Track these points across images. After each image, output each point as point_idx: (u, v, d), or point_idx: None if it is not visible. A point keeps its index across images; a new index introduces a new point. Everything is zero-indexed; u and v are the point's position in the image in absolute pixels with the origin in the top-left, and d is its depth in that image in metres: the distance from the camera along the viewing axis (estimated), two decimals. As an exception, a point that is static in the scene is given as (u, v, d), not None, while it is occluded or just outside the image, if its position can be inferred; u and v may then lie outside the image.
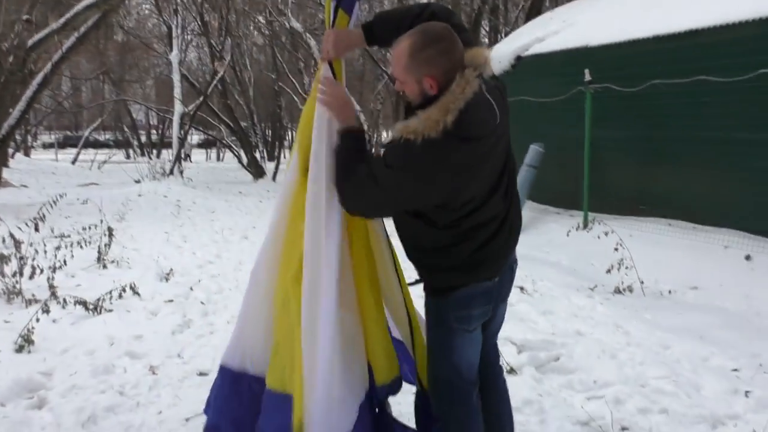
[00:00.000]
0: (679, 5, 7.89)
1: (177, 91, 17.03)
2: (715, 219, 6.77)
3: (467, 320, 2.23)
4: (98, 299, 4.77)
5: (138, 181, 14.71)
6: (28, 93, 10.82)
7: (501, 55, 10.27)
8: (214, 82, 18.20)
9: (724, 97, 6.67)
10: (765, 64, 6.14)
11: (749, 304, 5.32)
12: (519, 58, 10.12)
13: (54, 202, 5.60)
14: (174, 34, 18.02)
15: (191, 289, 5.61)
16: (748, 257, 6.05)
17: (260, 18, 21.31)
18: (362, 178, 2.06)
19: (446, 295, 2.21)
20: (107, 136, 38.66)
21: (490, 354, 2.53)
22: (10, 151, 19.60)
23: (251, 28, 24.80)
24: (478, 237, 2.14)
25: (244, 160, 20.77)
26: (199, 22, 20.06)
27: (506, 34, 17.00)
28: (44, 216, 5.36)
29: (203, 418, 3.27)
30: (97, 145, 31.79)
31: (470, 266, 2.17)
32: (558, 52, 9.32)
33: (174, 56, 17.54)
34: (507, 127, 2.12)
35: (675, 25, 7.43)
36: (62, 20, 9.87)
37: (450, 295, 2.20)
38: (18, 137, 22.69)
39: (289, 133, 37.40)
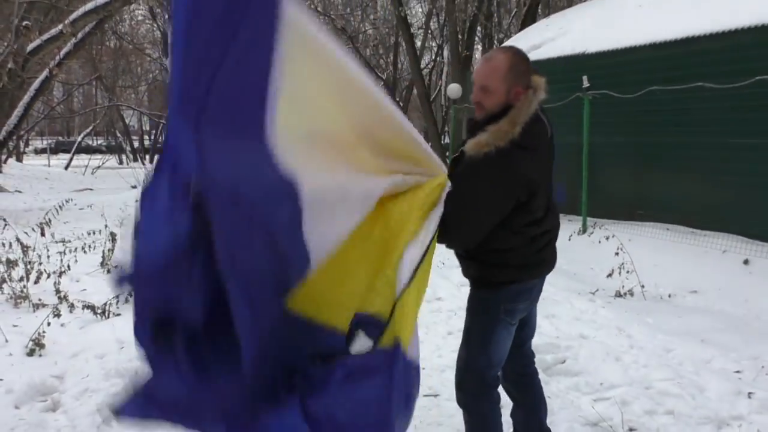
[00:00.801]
0: (675, 12, 8.00)
1: (173, 97, 17.03)
2: (713, 224, 6.86)
3: (512, 313, 2.44)
4: (105, 303, 4.79)
5: (134, 187, 14.71)
6: (26, 98, 10.83)
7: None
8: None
9: (721, 104, 6.77)
10: (761, 70, 6.24)
11: (748, 307, 5.40)
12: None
13: (59, 207, 5.62)
14: (169, 40, 18.03)
15: (196, 293, 5.63)
16: (746, 261, 6.13)
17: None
18: (453, 213, 2.14)
19: (499, 289, 2.40)
20: (100, 142, 38.58)
21: (528, 355, 2.78)
22: (2, 156, 19.54)
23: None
24: (539, 243, 2.43)
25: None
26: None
27: (500, 42, 17.11)
28: (50, 221, 5.38)
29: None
30: (89, 150, 31.73)
31: (529, 266, 2.43)
32: (555, 59, 9.41)
33: (169, 62, 17.54)
34: (553, 144, 2.49)
35: (671, 32, 7.54)
36: (61, 26, 9.88)
37: (502, 289, 2.40)
38: (11, 143, 22.58)
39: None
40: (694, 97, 6.97)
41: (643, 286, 5.94)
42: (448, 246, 2.35)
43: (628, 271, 6.03)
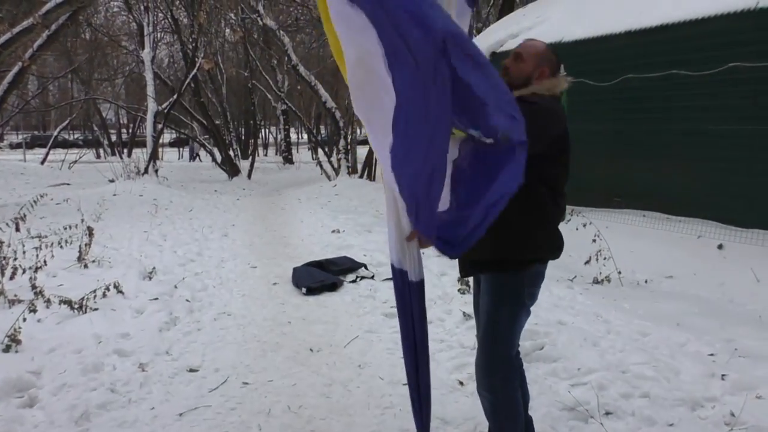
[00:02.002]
0: (649, 1, 8.06)
1: (150, 89, 16.87)
2: (688, 210, 6.95)
3: (532, 296, 2.58)
4: (82, 298, 4.75)
5: (112, 181, 14.56)
6: (-1, 92, 10.65)
7: (476, 51, 10.35)
8: (187, 80, 18.03)
9: (695, 90, 6.86)
10: (734, 57, 6.32)
11: (723, 291, 5.49)
12: (493, 54, 10.23)
13: (35, 202, 5.54)
14: (145, 32, 17.83)
15: (175, 287, 5.61)
16: (720, 246, 6.23)
17: (232, 15, 21.19)
18: None
19: (524, 270, 2.51)
20: (76, 136, 38.05)
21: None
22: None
23: (223, 25, 24.62)
24: (558, 220, 2.62)
25: (218, 158, 20.65)
26: (171, 20, 19.88)
27: (479, 31, 17.12)
28: (25, 216, 5.31)
29: (197, 413, 3.33)
30: (66, 144, 31.21)
31: (552, 245, 2.59)
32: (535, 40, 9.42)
33: (146, 54, 17.35)
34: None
35: (646, 20, 7.60)
36: (33, 18, 9.71)
37: (526, 270, 2.51)
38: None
39: (263, 131, 37.30)
40: (669, 84, 7.05)
41: (620, 273, 6.01)
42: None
43: (605, 258, 6.09)
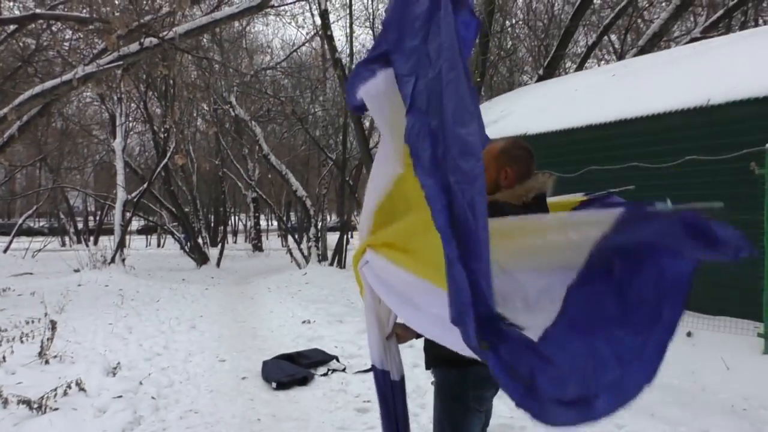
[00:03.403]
0: (608, 96, 8.47)
1: (120, 179, 16.86)
2: (655, 297, 7.03)
3: (479, 400, 2.38)
4: (42, 397, 4.56)
5: (77, 270, 14.29)
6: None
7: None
8: (158, 170, 18.11)
9: (656, 182, 7.11)
10: (690, 151, 6.61)
11: (694, 380, 5.50)
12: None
13: (-4, 296, 5.39)
14: (117, 122, 18.02)
15: (140, 383, 5.43)
16: (689, 334, 6.29)
17: (204, 105, 21.62)
18: None
19: (466, 369, 2.29)
20: (42, 223, 37.50)
21: None
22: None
23: (194, 114, 25.03)
24: None
25: (187, 246, 20.49)
26: (143, 110, 20.16)
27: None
28: (-15, 310, 5.14)
29: None
30: (31, 232, 30.69)
31: None
32: (498, 140, 9.74)
33: (118, 144, 17.45)
34: None
35: (605, 115, 7.95)
36: (6, 110, 9.76)
37: (468, 370, 2.29)
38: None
39: (233, 218, 37.28)
40: (631, 175, 7.30)
41: (592, 362, 5.99)
42: None
43: (577, 347, 6.08)
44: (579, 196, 2.62)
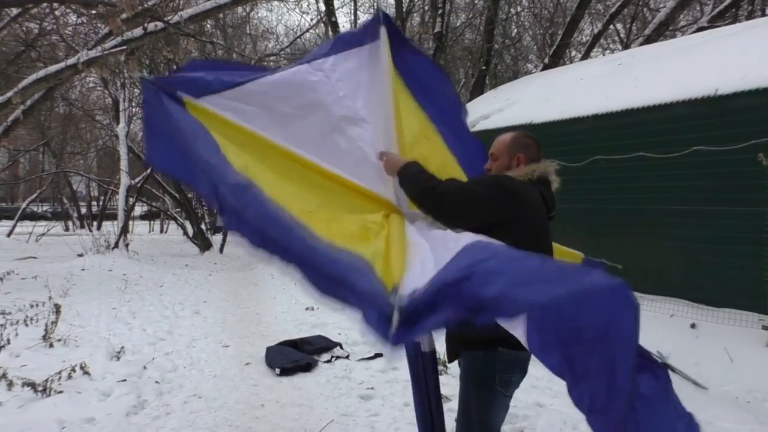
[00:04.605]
0: (614, 85, 8.41)
1: (124, 164, 16.84)
2: (660, 289, 7.03)
3: (506, 384, 2.41)
4: (46, 380, 4.58)
5: (81, 255, 14.30)
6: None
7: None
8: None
9: (662, 172, 7.07)
10: (697, 141, 6.57)
11: (698, 371, 5.50)
12: (466, 134, 10.49)
13: (0, 278, 5.40)
14: (121, 107, 17.97)
15: (144, 367, 5.45)
16: (693, 325, 6.28)
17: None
18: (455, 187, 2.43)
19: (493, 352, 2.35)
20: (45, 208, 37.53)
21: None
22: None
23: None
24: None
25: (190, 231, 20.49)
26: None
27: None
28: (-10, 294, 5.16)
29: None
30: (34, 217, 30.68)
31: None
32: (503, 129, 9.67)
33: (121, 129, 17.42)
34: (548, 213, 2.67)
35: (612, 104, 7.90)
36: (10, 94, 9.73)
37: (496, 353, 2.35)
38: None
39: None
40: (636, 165, 7.27)
41: (595, 351, 5.99)
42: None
43: (580, 337, 6.07)
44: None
